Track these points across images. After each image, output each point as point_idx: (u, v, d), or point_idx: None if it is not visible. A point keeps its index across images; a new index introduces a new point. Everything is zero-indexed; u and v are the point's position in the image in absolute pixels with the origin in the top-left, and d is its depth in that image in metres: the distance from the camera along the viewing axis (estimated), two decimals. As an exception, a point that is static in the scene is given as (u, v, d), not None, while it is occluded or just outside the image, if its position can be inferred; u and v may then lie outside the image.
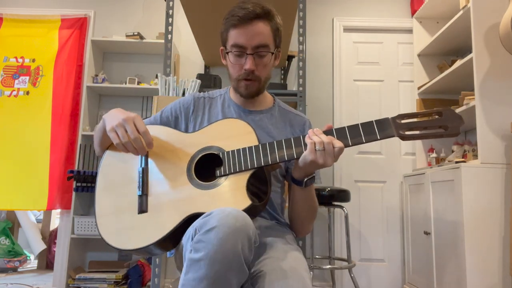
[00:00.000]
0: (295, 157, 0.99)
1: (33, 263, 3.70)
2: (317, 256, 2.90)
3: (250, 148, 1.01)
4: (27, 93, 3.17)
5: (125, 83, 3.15)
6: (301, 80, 2.32)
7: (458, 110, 2.39)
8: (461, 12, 2.43)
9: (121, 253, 3.10)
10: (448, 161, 2.65)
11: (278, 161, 0.99)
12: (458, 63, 2.47)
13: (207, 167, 1.05)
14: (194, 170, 1.03)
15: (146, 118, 1.26)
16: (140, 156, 1.05)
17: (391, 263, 3.13)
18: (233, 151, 1.01)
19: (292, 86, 3.19)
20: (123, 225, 1.00)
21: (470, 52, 2.29)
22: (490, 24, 2.24)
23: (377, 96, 3.35)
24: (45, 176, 3.01)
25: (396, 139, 3.26)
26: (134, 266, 2.87)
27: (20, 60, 3.24)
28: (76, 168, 3.00)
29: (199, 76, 2.45)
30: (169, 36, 2.31)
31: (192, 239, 0.82)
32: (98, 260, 3.06)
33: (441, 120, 0.95)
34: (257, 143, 1.02)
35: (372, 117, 2.90)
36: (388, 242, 3.15)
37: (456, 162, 2.21)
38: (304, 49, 2.35)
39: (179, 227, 0.93)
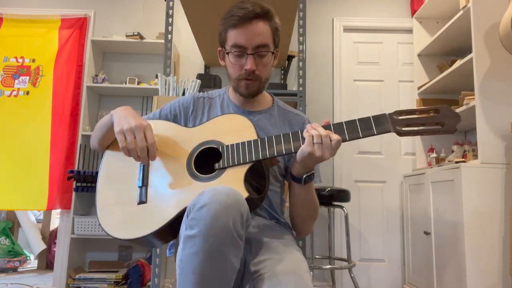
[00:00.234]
0: (293, 151, 1.00)
1: (33, 263, 3.71)
2: (317, 256, 2.90)
3: (249, 142, 1.02)
4: (27, 93, 3.17)
5: (125, 83, 3.15)
6: (301, 80, 2.32)
7: (458, 110, 2.39)
8: (461, 12, 2.43)
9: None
10: (448, 161, 2.64)
11: (276, 154, 1.00)
12: (458, 63, 2.47)
13: (207, 161, 1.06)
14: (194, 163, 1.04)
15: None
16: None
17: (391, 263, 3.13)
18: (232, 145, 1.03)
19: (292, 86, 3.19)
20: (123, 216, 1.02)
21: (470, 52, 2.29)
22: (490, 24, 2.24)
23: (377, 96, 3.35)
24: (45, 176, 3.01)
25: (396, 139, 3.26)
26: (134, 266, 2.87)
27: (20, 60, 3.24)
28: (76, 168, 3.00)
29: (199, 76, 2.45)
30: (169, 36, 2.31)
31: (187, 217, 0.85)
32: (98, 260, 3.06)
33: (438, 117, 0.96)
34: (256, 138, 1.03)
35: (372, 117, 2.90)
36: (388, 242, 3.15)
37: (456, 162, 2.21)
38: (304, 49, 2.35)
39: (177, 218, 0.94)
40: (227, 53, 1.14)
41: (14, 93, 3.17)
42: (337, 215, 3.16)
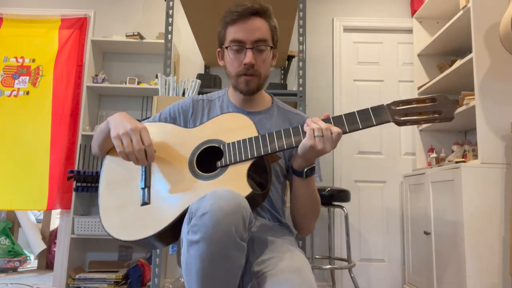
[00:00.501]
0: (294, 145, 1.01)
1: (33, 263, 3.71)
2: (317, 256, 2.90)
3: (250, 139, 1.02)
4: (27, 93, 3.17)
5: (125, 83, 3.15)
6: (301, 80, 2.32)
7: (458, 110, 2.40)
8: (461, 12, 2.43)
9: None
10: (448, 161, 2.65)
11: (277, 149, 1.00)
12: (458, 63, 2.46)
13: (209, 160, 1.06)
14: (196, 163, 1.04)
15: (146, 119, 1.26)
16: None
17: (391, 263, 3.13)
18: (233, 143, 1.03)
19: (292, 86, 3.19)
20: (126, 218, 1.02)
21: (470, 52, 2.29)
22: (490, 24, 2.24)
23: (377, 96, 3.35)
24: (45, 176, 3.01)
25: (396, 139, 3.26)
26: (134, 266, 2.87)
27: (20, 60, 3.24)
28: (76, 168, 3.00)
29: (199, 76, 2.45)
30: (169, 36, 2.31)
31: (189, 221, 0.85)
32: (98, 260, 3.06)
33: (435, 106, 0.98)
34: (257, 135, 1.03)
35: (372, 117, 2.90)
36: (388, 242, 3.15)
37: (456, 162, 2.21)
38: (304, 49, 2.35)
39: (181, 218, 0.94)
40: (226, 48, 1.15)
41: (14, 93, 3.17)
42: (337, 215, 3.16)
